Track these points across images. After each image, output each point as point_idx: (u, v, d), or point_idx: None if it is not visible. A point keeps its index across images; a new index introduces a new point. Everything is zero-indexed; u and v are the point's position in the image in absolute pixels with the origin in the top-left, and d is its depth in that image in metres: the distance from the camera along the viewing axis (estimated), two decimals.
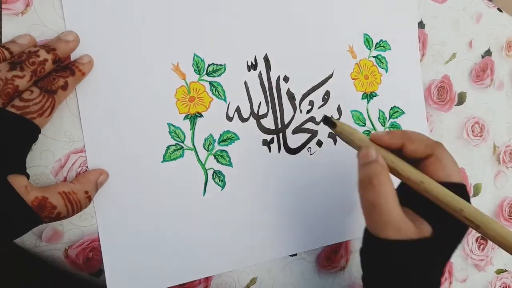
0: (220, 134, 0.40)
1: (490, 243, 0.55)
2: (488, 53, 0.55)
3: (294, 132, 0.43)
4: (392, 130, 0.33)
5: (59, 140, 0.35)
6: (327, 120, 0.35)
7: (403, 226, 0.30)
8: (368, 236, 0.33)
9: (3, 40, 0.33)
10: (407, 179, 0.32)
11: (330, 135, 0.44)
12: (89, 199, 0.34)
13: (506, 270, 0.56)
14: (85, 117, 0.35)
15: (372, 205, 0.31)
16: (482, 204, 0.55)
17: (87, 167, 0.36)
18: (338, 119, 0.45)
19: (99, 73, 0.36)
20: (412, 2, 0.49)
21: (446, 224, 0.32)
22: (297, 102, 0.43)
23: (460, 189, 0.32)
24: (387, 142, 0.33)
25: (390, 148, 0.34)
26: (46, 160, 0.35)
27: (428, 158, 0.33)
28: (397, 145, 0.33)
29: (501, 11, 0.55)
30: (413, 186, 0.32)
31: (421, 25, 0.50)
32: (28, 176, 0.31)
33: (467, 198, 0.32)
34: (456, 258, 0.53)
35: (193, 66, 0.39)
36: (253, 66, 0.41)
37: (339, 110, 0.45)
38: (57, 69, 0.33)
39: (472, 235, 0.54)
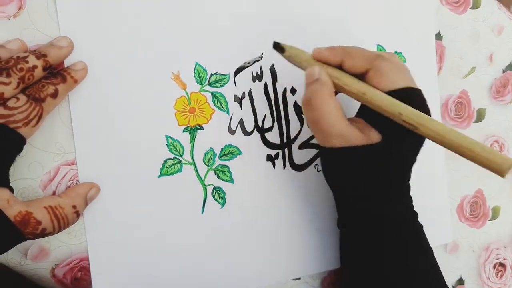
0: (222, 148, 0.38)
1: (508, 270, 0.51)
2: (509, 67, 0.52)
3: (301, 147, 0.41)
4: (333, 46, 0.34)
5: (49, 151, 0.33)
6: (276, 45, 0.35)
7: (347, 133, 0.32)
8: (321, 149, 0.34)
9: None
10: (351, 92, 0.33)
11: None
12: (77, 214, 0.32)
13: None
14: (78, 127, 0.33)
15: (314, 122, 0.33)
16: (501, 227, 0.51)
17: (78, 180, 0.34)
18: None
19: (93, 81, 0.34)
20: (429, 12, 0.47)
21: (394, 132, 0.32)
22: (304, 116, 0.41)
23: (408, 93, 0.33)
24: (327, 58, 0.34)
25: (331, 64, 0.34)
26: (34, 172, 0.33)
27: (368, 71, 0.33)
28: (337, 61, 0.34)
29: None
30: (357, 99, 0.33)
31: (438, 36, 0.47)
32: (12, 190, 0.29)
33: (419, 100, 0.33)
34: (472, 285, 0.50)
35: (194, 75, 0.37)
36: (258, 77, 0.39)
37: None
38: (47, 76, 0.31)
39: (489, 262, 0.50)
